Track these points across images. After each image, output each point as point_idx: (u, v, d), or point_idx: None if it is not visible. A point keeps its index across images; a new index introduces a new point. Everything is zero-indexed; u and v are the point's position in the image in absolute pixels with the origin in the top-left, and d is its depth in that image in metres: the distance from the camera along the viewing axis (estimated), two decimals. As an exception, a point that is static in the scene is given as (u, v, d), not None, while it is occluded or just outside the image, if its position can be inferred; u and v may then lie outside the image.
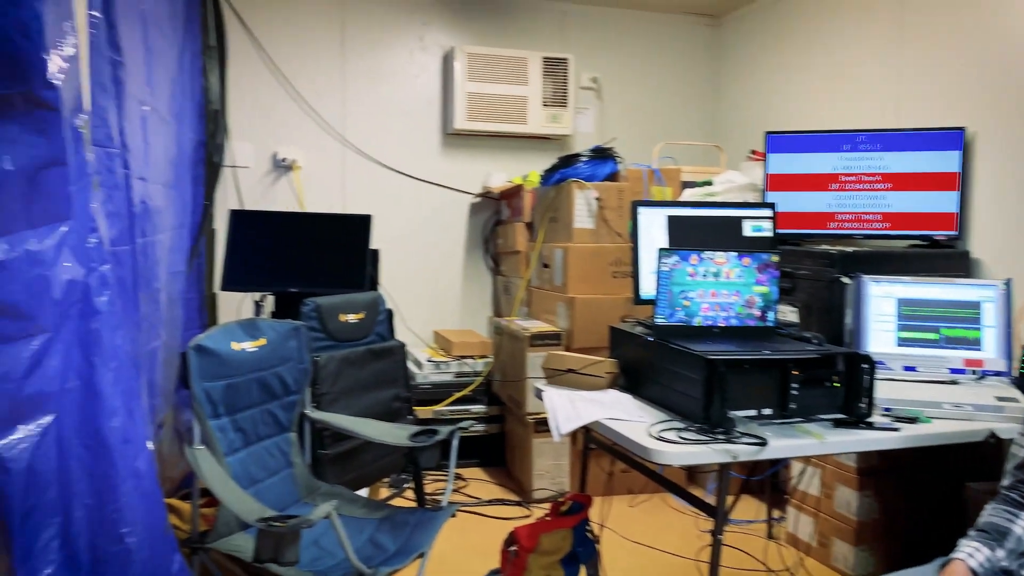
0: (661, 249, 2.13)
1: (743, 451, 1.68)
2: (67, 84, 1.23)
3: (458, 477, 3.76)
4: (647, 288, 2.41)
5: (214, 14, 3.81)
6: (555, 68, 4.29)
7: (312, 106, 4.13)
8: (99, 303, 1.37)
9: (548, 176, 3.76)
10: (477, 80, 4.17)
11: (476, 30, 4.37)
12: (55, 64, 1.17)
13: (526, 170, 4.26)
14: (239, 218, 3.30)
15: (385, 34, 4.24)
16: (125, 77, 1.94)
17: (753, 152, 3.76)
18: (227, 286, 3.20)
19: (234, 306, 3.90)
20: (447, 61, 4.28)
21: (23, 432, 1.25)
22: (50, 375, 1.28)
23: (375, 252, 3.49)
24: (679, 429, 1.80)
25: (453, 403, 3.81)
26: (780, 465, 3.23)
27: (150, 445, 1.59)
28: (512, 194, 4.18)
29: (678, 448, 1.68)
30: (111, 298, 1.41)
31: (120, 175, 1.72)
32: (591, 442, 2.38)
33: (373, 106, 4.25)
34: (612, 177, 3.67)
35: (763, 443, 1.70)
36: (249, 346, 2.23)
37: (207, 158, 3.78)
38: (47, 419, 1.29)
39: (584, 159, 3.66)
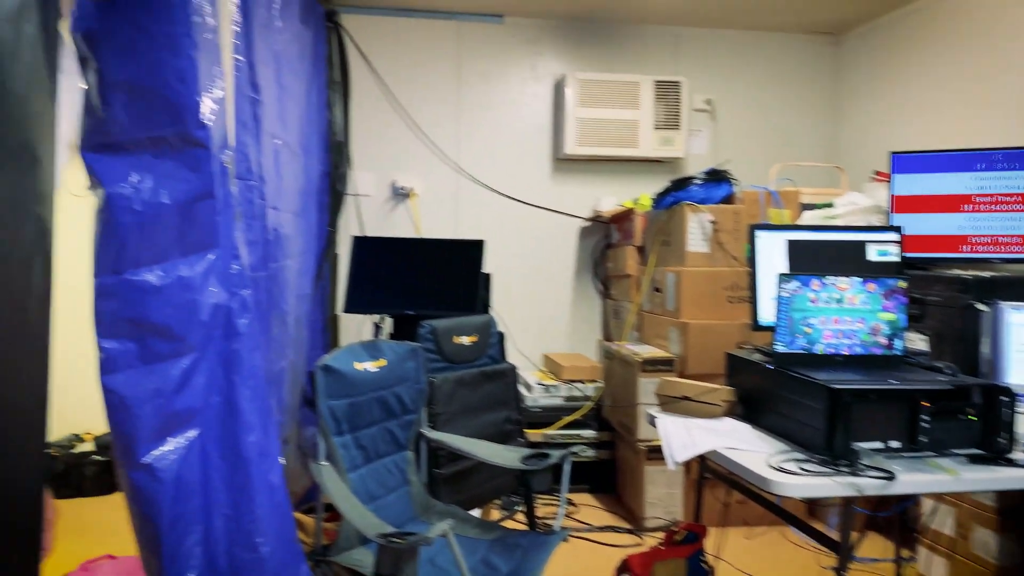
0: (781, 274, 2.08)
1: (869, 485, 1.61)
2: (216, 123, 1.34)
3: (568, 502, 3.75)
4: (766, 314, 2.35)
5: (339, 51, 4.03)
6: (667, 91, 4.27)
7: (429, 136, 4.28)
8: (240, 325, 1.48)
9: (660, 199, 3.74)
10: (588, 106, 4.21)
11: (587, 57, 4.41)
12: (207, 106, 1.28)
13: (637, 193, 4.25)
14: (360, 244, 3.45)
15: (498, 65, 4.35)
16: (262, 114, 2.09)
17: (877, 173, 3.61)
18: (349, 308, 3.35)
19: (355, 327, 4.07)
20: (558, 88, 4.34)
21: (172, 444, 1.35)
22: (196, 392, 1.39)
23: (487, 276, 3.56)
24: (800, 460, 1.74)
25: (563, 427, 3.82)
26: (910, 502, 3.05)
27: (282, 460, 1.68)
28: (622, 218, 4.18)
29: (799, 480, 1.63)
30: (250, 320, 1.51)
31: (258, 205, 1.85)
32: (706, 471, 2.33)
33: (486, 134, 4.36)
34: (727, 200, 3.60)
35: (890, 477, 1.62)
36: (371, 366, 2.32)
37: (331, 187, 3.97)
38: (193, 433, 1.39)
39: (698, 182, 3.61)
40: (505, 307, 4.22)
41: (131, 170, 1.24)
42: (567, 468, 2.25)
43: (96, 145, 1.21)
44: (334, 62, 4.00)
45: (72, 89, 1.21)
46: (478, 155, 4.35)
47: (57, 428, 3.85)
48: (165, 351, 1.30)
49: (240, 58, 1.65)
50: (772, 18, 4.32)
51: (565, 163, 4.42)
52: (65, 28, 1.11)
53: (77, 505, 3.52)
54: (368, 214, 4.24)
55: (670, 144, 4.29)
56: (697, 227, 3.49)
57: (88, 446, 3.74)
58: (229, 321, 1.45)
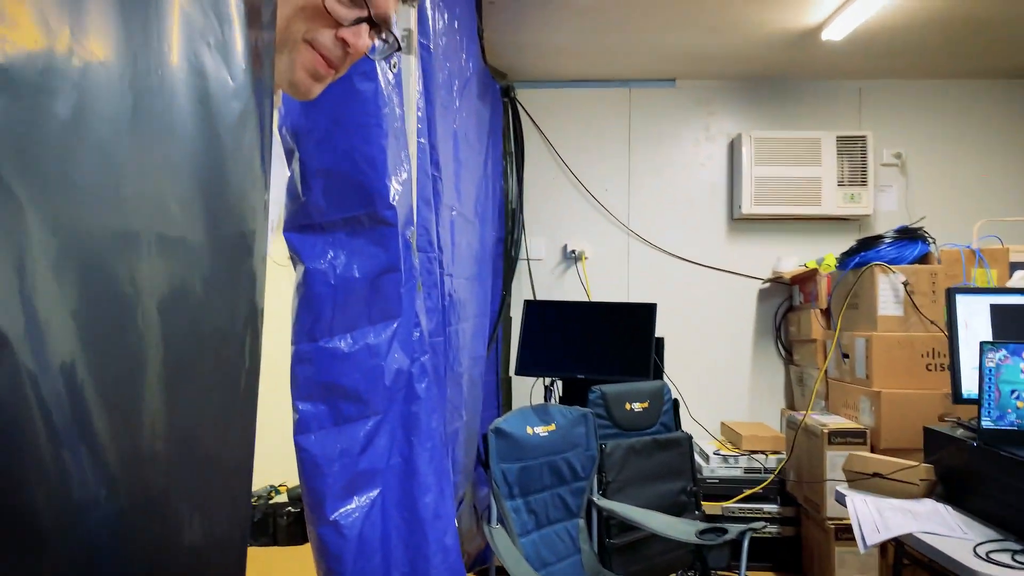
0: (984, 343, 1.90)
1: (1106, 589, 1.40)
2: (401, 203, 1.45)
3: (748, 580, 3.54)
4: (969, 386, 2.14)
5: (513, 123, 4.22)
6: (851, 146, 4.07)
7: (599, 200, 4.34)
8: (419, 389, 1.56)
9: (846, 259, 3.54)
10: (765, 164, 4.10)
11: (763, 115, 4.32)
12: (394, 188, 1.39)
13: (820, 253, 4.05)
14: (532, 307, 3.53)
15: (670, 127, 4.35)
16: (441, 189, 2.22)
17: (1104, 226, 3.22)
18: (520, 371, 3.41)
19: (526, 389, 4.13)
20: (733, 147, 4.26)
21: (356, 503, 1.44)
22: (379, 453, 1.47)
23: (659, 340, 3.51)
24: (1014, 551, 1.55)
25: (742, 500, 3.63)
26: None
27: (456, 522, 1.73)
28: (805, 279, 3.99)
29: (1015, 573, 1.45)
30: (428, 385, 1.59)
31: (436, 274, 1.96)
32: (904, 556, 2.13)
33: (657, 196, 4.35)
34: (922, 259, 3.35)
35: None
36: (541, 431, 2.35)
37: (506, 252, 4.12)
38: (375, 492, 1.48)
39: (888, 240, 3.39)
40: (679, 372, 4.11)
41: (328, 247, 1.36)
42: (746, 544, 2.14)
43: (298, 226, 1.35)
44: (509, 133, 4.19)
45: (278, 177, 1.36)
46: (649, 217, 4.34)
47: (256, 480, 4.17)
48: (353, 414, 1.40)
49: (423, 140, 1.79)
50: (966, 64, 4.03)
51: (741, 223, 4.31)
52: (274, 124, 1.25)
53: (270, 553, 3.78)
54: (540, 277, 4.34)
55: (856, 201, 4.07)
56: (889, 289, 3.26)
57: (283, 498, 4.03)
58: (409, 385, 1.53)
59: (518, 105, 4.25)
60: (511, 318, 4.16)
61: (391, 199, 1.38)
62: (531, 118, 4.34)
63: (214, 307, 0.64)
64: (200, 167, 0.64)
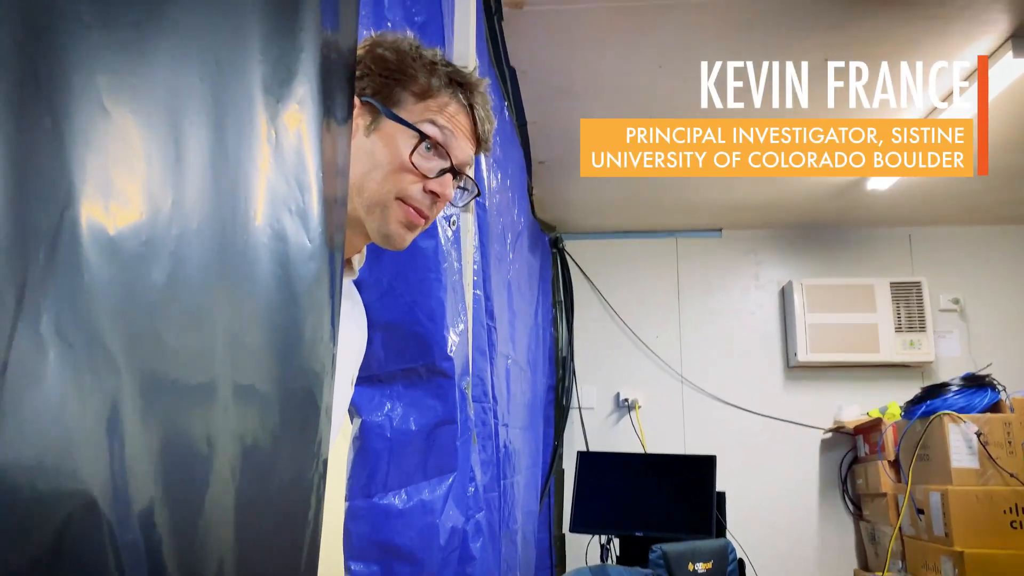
0: (1077, 499, 1.76)
1: None
2: (458, 354, 1.46)
3: None
4: (1064, 546, 1.97)
5: (562, 273, 4.29)
6: (905, 293, 4.02)
7: (650, 348, 4.31)
8: (474, 549, 1.50)
9: (912, 408, 3.40)
10: (818, 311, 4.06)
11: (812, 262, 4.32)
12: (451, 340, 1.41)
13: (882, 400, 3.90)
14: (586, 459, 3.44)
15: (719, 275, 4.38)
16: (495, 339, 2.23)
17: None
18: (575, 528, 3.28)
19: (581, 547, 3.94)
20: (784, 295, 4.25)
21: (409, 672, 1.35)
22: (432, 618, 1.40)
23: (721, 494, 3.36)
24: None
25: (819, 673, 3.32)
26: None
27: None
28: (869, 428, 3.83)
29: None
30: (483, 544, 1.53)
31: (491, 426, 1.93)
32: None
33: (709, 344, 4.30)
34: (993, 408, 3.20)
35: None
36: (600, 594, 2.22)
37: (556, 401, 4.07)
38: (427, 661, 1.39)
39: (954, 388, 3.26)
40: (742, 529, 3.90)
41: (385, 399, 1.36)
42: None
43: (359, 379, 1.35)
44: (558, 283, 4.26)
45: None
46: (702, 365, 4.28)
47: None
48: (406, 575, 1.34)
49: (478, 292, 1.82)
50: (1018, 211, 4.02)
51: (798, 370, 4.21)
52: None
53: None
54: (592, 427, 4.25)
55: (916, 347, 3.97)
56: (961, 440, 3.10)
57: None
58: (464, 544, 1.47)
59: (567, 255, 4.35)
60: (563, 470, 4.05)
61: (448, 350, 1.39)
62: (580, 268, 4.42)
63: (282, 458, 0.64)
64: (277, 326, 0.65)
